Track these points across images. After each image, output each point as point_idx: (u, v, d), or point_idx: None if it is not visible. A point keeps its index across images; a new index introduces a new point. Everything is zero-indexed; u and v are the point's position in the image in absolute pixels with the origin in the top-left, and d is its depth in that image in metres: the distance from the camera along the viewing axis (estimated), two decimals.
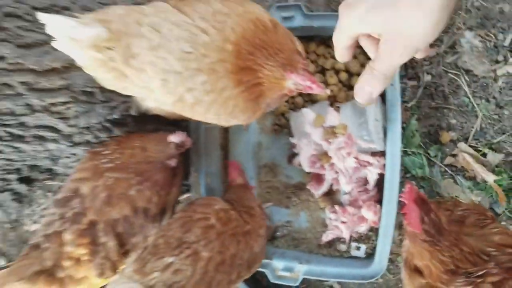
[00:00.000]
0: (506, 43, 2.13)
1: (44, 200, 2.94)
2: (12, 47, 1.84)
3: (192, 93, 1.52)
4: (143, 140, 1.90)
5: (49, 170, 2.88)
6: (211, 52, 1.48)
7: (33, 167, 2.83)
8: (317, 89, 1.54)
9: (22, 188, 2.89)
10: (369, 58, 1.64)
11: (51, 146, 2.19)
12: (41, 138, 2.13)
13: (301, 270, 2.15)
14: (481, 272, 1.28)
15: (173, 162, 1.90)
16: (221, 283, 1.70)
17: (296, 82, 1.52)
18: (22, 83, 1.91)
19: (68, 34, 1.43)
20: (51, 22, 1.43)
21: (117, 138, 1.98)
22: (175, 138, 1.92)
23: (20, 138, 2.11)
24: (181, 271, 1.61)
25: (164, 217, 1.88)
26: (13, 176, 2.79)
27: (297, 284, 2.16)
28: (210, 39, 1.47)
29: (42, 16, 1.42)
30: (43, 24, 1.87)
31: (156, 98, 1.63)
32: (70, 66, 1.97)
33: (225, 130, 2.42)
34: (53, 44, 1.48)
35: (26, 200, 2.97)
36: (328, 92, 1.59)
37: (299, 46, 1.59)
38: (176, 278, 1.60)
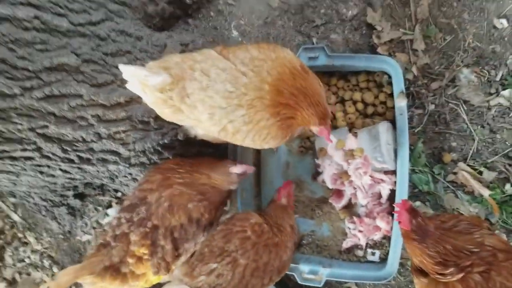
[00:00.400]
0: (498, 78, 2.42)
1: (94, 213, 3.25)
2: (88, 87, 2.18)
3: (233, 124, 1.84)
4: (210, 169, 2.18)
5: (100, 187, 3.21)
6: (250, 91, 1.80)
7: (87, 184, 3.15)
8: (328, 140, 1.94)
9: (76, 203, 3.23)
10: (381, 91, 2.07)
11: (112, 167, 2.52)
12: (104, 161, 2.46)
13: (324, 273, 2.45)
14: (468, 263, 1.60)
15: (233, 187, 2.23)
16: (255, 286, 1.99)
17: (319, 131, 1.87)
18: (94, 116, 2.24)
19: (141, 80, 1.79)
20: (128, 71, 1.79)
21: (190, 161, 2.24)
22: (237, 169, 2.21)
23: (88, 161, 2.43)
24: (222, 275, 1.92)
25: (212, 228, 2.16)
26: (70, 193, 3.13)
27: (320, 285, 2.44)
28: (249, 81, 1.80)
29: (122, 67, 1.79)
30: (111, 67, 2.25)
31: (204, 127, 1.97)
32: (131, 100, 2.32)
33: (258, 152, 2.74)
34: (127, 86, 1.84)
35: (79, 213, 3.27)
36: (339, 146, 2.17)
37: (322, 88, 1.92)
38: (218, 281, 1.91)
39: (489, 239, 1.68)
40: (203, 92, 1.80)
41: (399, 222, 1.84)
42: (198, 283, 1.90)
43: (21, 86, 1.99)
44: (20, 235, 3.52)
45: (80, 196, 3.20)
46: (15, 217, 3.48)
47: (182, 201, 2.02)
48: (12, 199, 3.40)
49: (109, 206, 3.23)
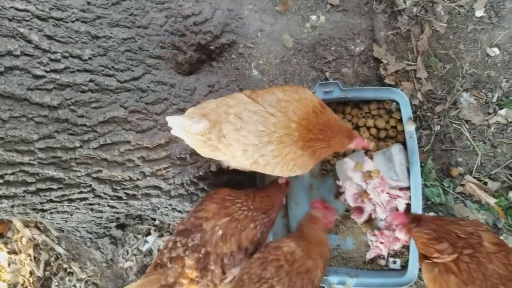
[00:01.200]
0: (494, 99, 2.68)
1: (134, 241, 3.51)
2: (134, 133, 2.46)
3: (264, 158, 2.09)
4: (266, 191, 2.47)
5: (139, 216, 3.48)
6: (278, 129, 2.05)
7: (127, 215, 3.41)
8: (367, 145, 2.26)
9: (118, 233, 3.49)
10: (391, 117, 2.34)
11: (154, 200, 2.77)
12: (148, 195, 2.71)
13: (351, 282, 2.69)
14: (459, 244, 1.89)
15: (284, 200, 2.51)
16: None
17: (355, 144, 2.20)
18: (139, 157, 2.51)
19: (185, 128, 2.05)
20: (175, 122, 2.06)
21: (244, 192, 2.43)
22: (283, 179, 2.55)
23: (133, 196, 2.69)
24: None
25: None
26: (113, 224, 3.39)
27: None
28: (278, 120, 2.05)
29: (169, 119, 2.06)
30: (153, 114, 2.52)
31: (237, 161, 2.21)
32: (170, 141, 2.60)
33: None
34: (171, 132, 2.10)
35: (120, 242, 3.53)
36: (370, 147, 2.39)
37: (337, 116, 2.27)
38: None
39: (484, 233, 1.93)
40: (237, 133, 2.05)
41: (398, 222, 2.27)
42: None
43: (80, 139, 2.28)
44: (65, 265, 3.78)
45: (121, 226, 3.45)
46: (59, 249, 3.74)
47: (235, 230, 2.22)
48: (56, 233, 3.66)
49: (148, 233, 3.47)
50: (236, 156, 2.13)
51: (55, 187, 2.35)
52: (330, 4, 2.90)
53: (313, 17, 2.93)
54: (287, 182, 2.63)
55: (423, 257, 2.10)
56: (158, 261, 2.19)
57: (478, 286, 1.76)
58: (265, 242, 2.41)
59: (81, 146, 2.30)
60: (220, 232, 2.19)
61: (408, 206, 2.62)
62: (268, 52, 2.99)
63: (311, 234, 2.35)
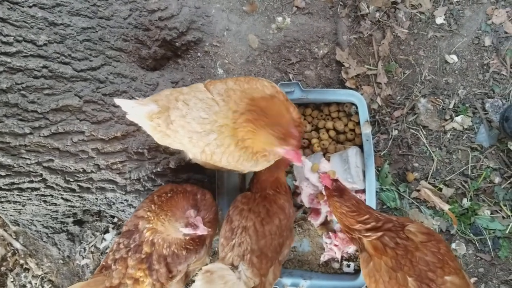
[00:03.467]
0: (451, 106, 2.72)
1: (92, 238, 3.44)
2: (89, 124, 2.43)
3: (209, 147, 2.04)
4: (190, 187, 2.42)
5: (98, 213, 3.42)
6: (219, 118, 1.99)
7: (85, 211, 3.34)
8: (296, 161, 1.97)
9: (75, 229, 3.40)
10: (350, 120, 2.32)
11: (109, 194, 2.73)
12: (103, 189, 2.66)
13: (305, 285, 2.67)
14: (379, 224, 1.98)
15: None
16: (272, 229, 2.21)
17: (285, 152, 1.95)
18: (93, 149, 2.47)
19: (133, 111, 2.01)
20: (121, 103, 2.01)
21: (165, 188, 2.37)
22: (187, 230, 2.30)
23: (87, 190, 2.64)
24: (243, 242, 2.15)
25: (203, 248, 2.31)
26: (70, 220, 3.32)
27: None
28: (220, 109, 1.99)
29: (117, 100, 2.01)
30: (109, 106, 2.49)
31: (189, 150, 2.15)
32: (127, 134, 2.56)
33: (243, 177, 2.99)
34: (127, 116, 2.05)
35: (77, 239, 3.45)
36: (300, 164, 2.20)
37: (294, 113, 2.03)
38: (243, 247, 2.13)
39: (413, 225, 1.99)
40: (183, 119, 2.01)
41: (323, 184, 2.30)
42: (228, 260, 2.11)
43: (31, 126, 2.24)
44: (21, 261, 3.68)
45: (79, 222, 3.37)
46: (17, 245, 3.64)
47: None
48: (14, 228, 3.58)
49: (106, 231, 3.41)
50: (184, 143, 2.09)
51: (2, 173, 2.29)
52: (296, 7, 2.93)
53: (279, 19, 2.95)
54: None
55: (360, 249, 2.14)
56: (104, 263, 2.17)
57: (406, 272, 1.78)
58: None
59: (31, 133, 2.26)
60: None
61: None
62: (234, 51, 3.00)
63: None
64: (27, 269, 3.67)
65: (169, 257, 2.16)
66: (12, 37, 2.17)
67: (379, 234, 1.96)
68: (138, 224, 2.21)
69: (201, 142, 2.03)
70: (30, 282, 3.65)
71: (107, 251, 3.25)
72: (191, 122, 2.01)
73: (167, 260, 2.16)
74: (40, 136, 2.29)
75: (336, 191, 2.23)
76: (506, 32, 2.65)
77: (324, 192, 2.38)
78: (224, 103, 2.00)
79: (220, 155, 2.06)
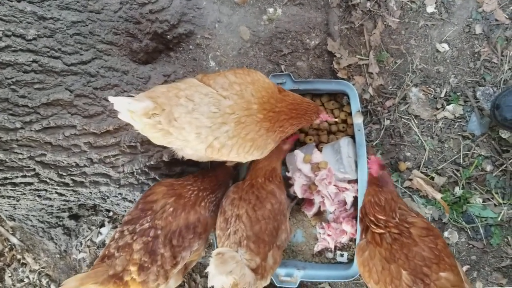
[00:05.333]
0: (442, 95, 2.72)
1: (88, 232, 3.46)
2: (81, 118, 2.42)
3: (218, 140, 2.05)
4: (214, 171, 2.53)
5: (93, 208, 3.43)
6: (237, 111, 2.04)
7: (81, 206, 3.36)
8: (331, 118, 2.39)
9: (71, 223, 3.42)
10: (342, 110, 2.34)
11: (103, 188, 2.74)
12: (96, 183, 2.68)
13: (299, 275, 2.70)
14: (391, 224, 1.98)
15: (231, 182, 2.55)
16: (265, 214, 2.27)
17: (321, 119, 2.32)
18: (86, 143, 2.47)
19: (127, 108, 1.97)
20: (116, 101, 1.97)
21: (193, 175, 2.55)
22: (231, 163, 2.56)
23: (81, 184, 2.65)
24: (238, 230, 2.21)
25: (204, 235, 2.35)
26: (65, 214, 3.33)
27: (295, 286, 2.68)
28: (235, 102, 2.04)
29: (110, 98, 1.97)
30: (101, 99, 2.49)
31: (192, 147, 2.15)
32: (119, 128, 2.56)
33: (235, 170, 2.98)
34: (118, 116, 2.02)
35: (74, 233, 3.47)
36: (334, 119, 2.56)
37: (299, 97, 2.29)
38: (238, 235, 2.19)
39: (414, 218, 2.01)
40: (189, 115, 2.01)
41: (369, 168, 2.26)
42: (228, 245, 2.19)
43: (22, 120, 2.24)
44: (18, 256, 3.71)
45: (75, 217, 3.39)
46: (14, 240, 3.67)
47: (185, 206, 2.28)
48: (11, 223, 3.59)
49: (102, 225, 3.43)
50: (190, 140, 2.08)
51: None
52: None
53: (270, 10, 2.94)
54: (236, 164, 2.65)
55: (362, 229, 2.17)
56: (105, 252, 2.15)
57: (400, 265, 1.79)
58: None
59: (22, 128, 2.26)
60: (171, 209, 2.22)
61: (356, 198, 2.63)
62: (226, 43, 2.99)
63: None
64: (24, 264, 3.71)
65: (174, 238, 2.18)
66: (1, 32, 2.16)
67: (382, 231, 1.97)
68: (151, 207, 2.25)
69: (210, 136, 2.05)
70: (27, 277, 3.68)
71: (106, 243, 3.27)
72: (199, 118, 2.01)
73: (172, 243, 2.17)
74: (31, 130, 2.28)
75: (381, 181, 2.19)
76: (496, 20, 2.65)
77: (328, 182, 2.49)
78: (238, 97, 2.06)
79: (230, 147, 2.10)
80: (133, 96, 2.03)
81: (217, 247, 2.34)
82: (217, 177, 2.53)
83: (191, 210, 2.27)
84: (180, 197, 2.30)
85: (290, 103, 2.22)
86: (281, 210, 2.38)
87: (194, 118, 2.01)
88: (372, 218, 2.03)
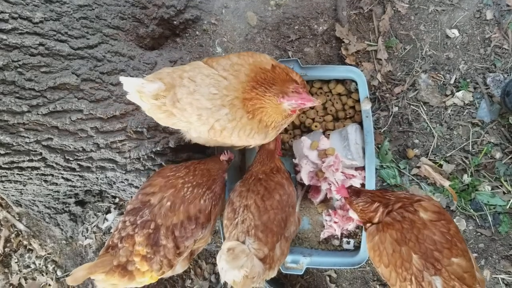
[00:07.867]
0: (452, 81, 2.69)
1: (94, 219, 3.47)
2: (87, 103, 2.42)
3: (219, 122, 2.04)
4: (206, 164, 2.46)
5: (99, 194, 3.43)
6: (230, 92, 2.00)
7: (87, 192, 3.36)
8: (308, 103, 1.96)
9: (77, 209, 3.43)
10: (350, 97, 2.29)
11: (110, 174, 2.74)
12: (103, 168, 2.68)
13: (305, 262, 2.70)
14: (391, 203, 1.99)
15: (226, 176, 2.50)
16: (273, 204, 2.26)
17: (290, 103, 1.97)
18: (92, 128, 2.47)
19: (138, 89, 1.96)
20: (127, 82, 1.97)
21: (184, 165, 2.45)
22: (225, 157, 2.53)
23: (87, 169, 2.65)
24: (246, 219, 2.20)
25: (208, 225, 2.34)
26: (71, 200, 3.34)
27: (302, 273, 2.69)
28: (229, 83, 2.01)
29: (122, 79, 1.96)
30: (108, 84, 2.48)
31: (195, 128, 2.14)
32: (125, 113, 2.56)
33: (243, 155, 2.99)
34: (127, 96, 2.01)
35: (80, 219, 3.48)
36: (318, 102, 2.00)
37: (295, 76, 2.11)
38: (246, 224, 2.18)
39: (425, 202, 1.97)
40: (190, 96, 2.00)
41: (342, 196, 2.31)
42: (233, 237, 2.17)
43: (29, 104, 2.24)
44: (25, 242, 3.72)
45: (81, 203, 3.40)
46: (20, 226, 3.69)
47: (183, 199, 2.24)
48: (17, 209, 3.61)
49: (108, 211, 3.43)
50: (192, 121, 2.07)
51: (2, 152, 2.30)
52: None
53: None
54: (229, 159, 2.60)
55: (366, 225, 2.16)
56: (110, 242, 2.17)
57: (411, 248, 1.77)
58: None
59: (29, 111, 2.26)
60: (169, 203, 2.19)
61: (363, 186, 2.61)
62: (232, 29, 2.97)
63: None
64: (30, 250, 3.72)
65: (177, 230, 2.18)
66: (8, 14, 2.15)
67: (386, 210, 1.99)
68: (148, 200, 2.22)
69: (211, 118, 2.03)
70: (34, 263, 3.70)
71: (112, 230, 3.28)
72: (200, 99, 2.00)
73: (175, 234, 2.17)
74: (38, 114, 2.28)
75: (354, 195, 2.23)
76: (508, 5, 2.60)
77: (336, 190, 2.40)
78: (233, 77, 2.01)
79: (231, 130, 2.07)
80: (144, 77, 2.01)
81: (223, 236, 2.34)
82: (209, 171, 2.45)
83: (190, 205, 2.25)
84: (178, 190, 2.27)
85: (264, 80, 2.03)
86: (289, 202, 2.36)
87: (195, 99, 2.00)
88: (373, 215, 2.05)
